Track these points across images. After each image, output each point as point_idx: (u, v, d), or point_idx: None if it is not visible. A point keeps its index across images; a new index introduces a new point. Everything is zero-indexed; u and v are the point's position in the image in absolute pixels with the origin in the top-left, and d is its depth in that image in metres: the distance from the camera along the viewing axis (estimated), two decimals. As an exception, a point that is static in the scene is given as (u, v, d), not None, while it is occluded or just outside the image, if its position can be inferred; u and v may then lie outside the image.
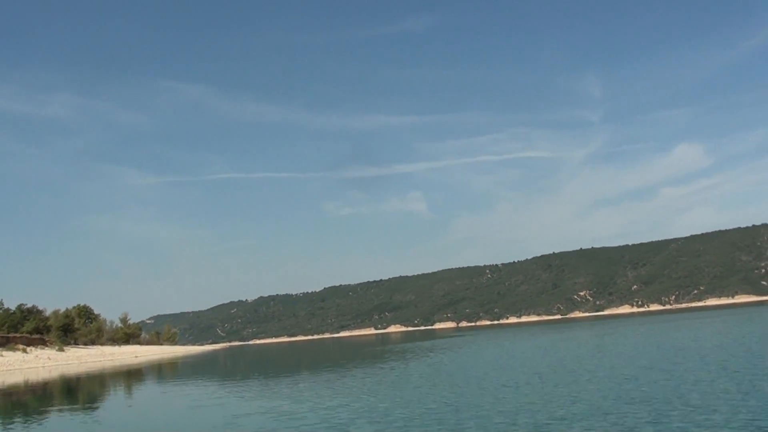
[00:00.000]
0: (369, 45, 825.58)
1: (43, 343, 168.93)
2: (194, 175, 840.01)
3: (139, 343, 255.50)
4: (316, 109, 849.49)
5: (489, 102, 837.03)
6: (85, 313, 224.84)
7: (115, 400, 54.84)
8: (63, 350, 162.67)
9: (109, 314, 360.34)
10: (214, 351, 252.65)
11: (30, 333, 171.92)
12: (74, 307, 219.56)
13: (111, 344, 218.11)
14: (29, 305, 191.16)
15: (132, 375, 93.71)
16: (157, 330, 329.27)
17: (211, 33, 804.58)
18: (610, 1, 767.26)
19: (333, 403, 34.36)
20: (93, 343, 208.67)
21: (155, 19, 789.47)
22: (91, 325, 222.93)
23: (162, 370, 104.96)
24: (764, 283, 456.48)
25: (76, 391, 67.69)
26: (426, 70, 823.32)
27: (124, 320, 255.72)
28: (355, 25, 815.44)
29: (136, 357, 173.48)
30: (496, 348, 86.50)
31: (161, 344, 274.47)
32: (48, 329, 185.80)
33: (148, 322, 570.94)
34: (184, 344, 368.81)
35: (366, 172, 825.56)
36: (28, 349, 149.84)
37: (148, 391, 63.29)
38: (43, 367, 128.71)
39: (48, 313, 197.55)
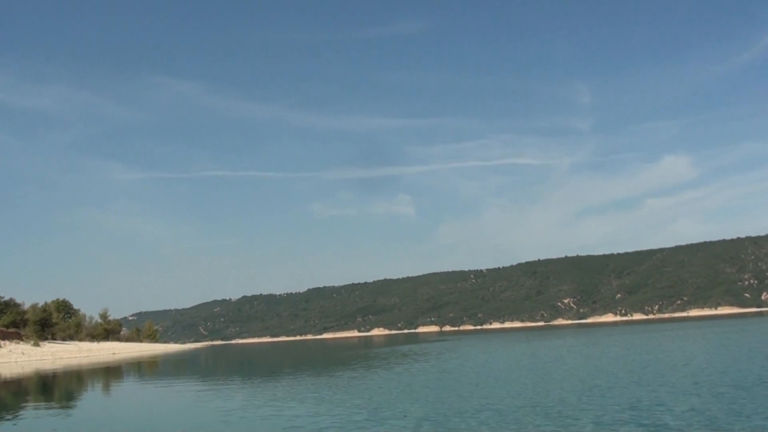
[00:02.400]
0: (362, 46, 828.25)
1: (18, 337, 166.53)
2: (182, 172, 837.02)
3: (119, 339, 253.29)
4: (306, 109, 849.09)
5: (479, 107, 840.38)
6: (63, 307, 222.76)
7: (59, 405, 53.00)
8: (38, 345, 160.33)
9: (92, 309, 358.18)
10: (195, 350, 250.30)
11: (6, 327, 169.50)
12: (53, 302, 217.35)
13: (90, 340, 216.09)
14: (6, 298, 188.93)
15: (97, 374, 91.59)
16: (138, 327, 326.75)
17: (201, 29, 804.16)
18: (602, 10, 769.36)
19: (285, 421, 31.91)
20: (72, 338, 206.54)
21: (147, 15, 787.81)
22: (70, 320, 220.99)
23: (134, 369, 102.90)
24: (747, 295, 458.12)
25: (40, 391, 65.92)
26: (418, 73, 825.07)
27: (103, 316, 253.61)
28: (349, 25, 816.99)
29: (114, 354, 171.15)
30: (484, 357, 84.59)
31: (141, 341, 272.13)
32: (25, 323, 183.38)
33: (130, 318, 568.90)
34: (165, 342, 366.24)
35: (355, 174, 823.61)
36: (3, 343, 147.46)
37: (99, 394, 61.17)
38: (16, 362, 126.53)
39: (26, 306, 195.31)
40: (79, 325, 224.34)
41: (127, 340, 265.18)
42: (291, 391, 46.83)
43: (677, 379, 38.30)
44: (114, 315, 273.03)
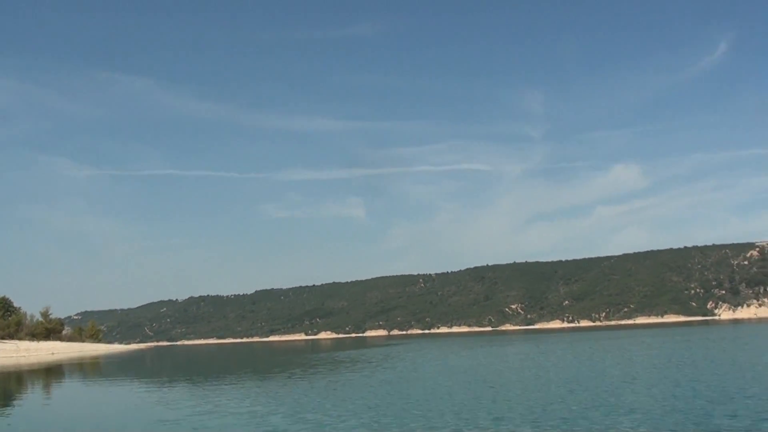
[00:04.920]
0: (317, 47, 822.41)
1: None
2: (131, 169, 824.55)
3: (61, 339, 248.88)
4: (258, 109, 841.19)
5: (431, 112, 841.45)
6: (3, 305, 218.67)
7: None
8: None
9: (36, 308, 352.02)
10: (138, 351, 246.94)
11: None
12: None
13: (30, 339, 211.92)
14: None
15: (28, 376, 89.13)
16: (82, 326, 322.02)
17: (152, 25, 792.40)
18: (555, 19, 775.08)
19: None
20: (11, 337, 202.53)
21: (97, 10, 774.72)
22: (10, 319, 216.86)
23: (69, 371, 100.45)
24: (693, 303, 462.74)
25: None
26: (371, 76, 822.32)
27: (45, 314, 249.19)
28: (305, 25, 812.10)
29: (53, 354, 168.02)
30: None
31: (83, 341, 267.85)
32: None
33: (75, 317, 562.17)
34: (110, 342, 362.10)
35: (305, 176, 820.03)
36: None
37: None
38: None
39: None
40: (19, 324, 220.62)
41: (69, 339, 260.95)
42: (179, 407, 42.32)
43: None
44: (58, 314, 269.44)
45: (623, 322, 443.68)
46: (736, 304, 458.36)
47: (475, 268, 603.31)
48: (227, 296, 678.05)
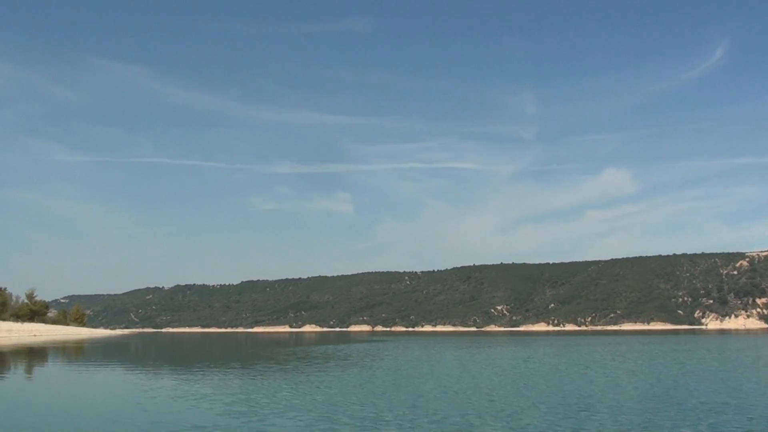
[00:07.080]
0: (309, 41, 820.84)
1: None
2: (122, 156, 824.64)
3: (45, 321, 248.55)
4: (249, 101, 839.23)
5: (422, 109, 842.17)
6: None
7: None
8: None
9: (23, 290, 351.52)
10: (122, 336, 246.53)
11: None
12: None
13: (14, 320, 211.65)
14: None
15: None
16: (68, 310, 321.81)
17: (147, 13, 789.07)
18: (551, 20, 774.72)
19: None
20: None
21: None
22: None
23: (45, 355, 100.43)
24: (680, 312, 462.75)
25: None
26: (363, 71, 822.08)
27: (30, 296, 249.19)
28: (298, 19, 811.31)
29: (35, 336, 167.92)
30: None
31: (68, 325, 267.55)
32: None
33: (62, 301, 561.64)
34: (95, 326, 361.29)
35: (295, 169, 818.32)
36: None
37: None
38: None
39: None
40: (4, 304, 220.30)
41: (54, 322, 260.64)
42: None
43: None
44: (46, 297, 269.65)
45: (609, 327, 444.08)
46: (723, 314, 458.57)
47: (462, 267, 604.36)
48: (213, 286, 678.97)
